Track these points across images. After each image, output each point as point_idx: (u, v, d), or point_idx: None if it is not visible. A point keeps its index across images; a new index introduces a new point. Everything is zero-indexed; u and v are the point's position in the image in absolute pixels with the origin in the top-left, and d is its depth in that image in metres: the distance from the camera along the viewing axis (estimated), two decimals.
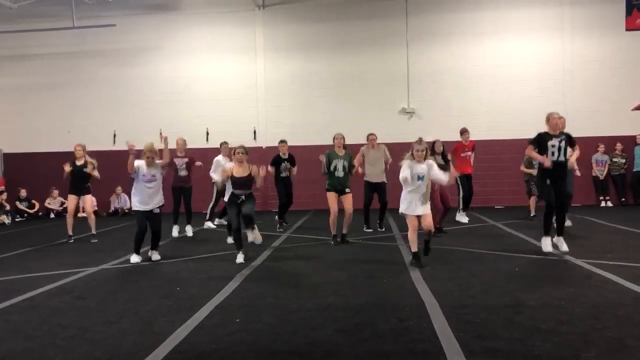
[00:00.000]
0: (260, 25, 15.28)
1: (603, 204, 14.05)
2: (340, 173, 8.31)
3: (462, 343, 3.74)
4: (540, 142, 7.01)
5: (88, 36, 15.47)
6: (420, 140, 6.55)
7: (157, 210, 7.40)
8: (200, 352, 3.76)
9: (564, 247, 6.97)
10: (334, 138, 8.58)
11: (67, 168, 9.57)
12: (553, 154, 6.91)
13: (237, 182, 7.08)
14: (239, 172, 7.07)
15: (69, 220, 9.63)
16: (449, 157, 9.53)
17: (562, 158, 6.91)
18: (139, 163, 7.30)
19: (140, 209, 7.31)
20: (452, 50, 14.71)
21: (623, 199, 14.12)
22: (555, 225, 7.15)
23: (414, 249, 6.51)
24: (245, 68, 15.30)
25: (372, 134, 9.84)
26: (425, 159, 6.48)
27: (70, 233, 9.60)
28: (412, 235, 6.50)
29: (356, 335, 4.01)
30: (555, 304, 4.70)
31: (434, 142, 8.97)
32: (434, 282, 5.59)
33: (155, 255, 7.46)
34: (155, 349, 3.80)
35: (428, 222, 6.45)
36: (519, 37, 14.59)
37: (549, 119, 7.08)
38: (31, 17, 15.47)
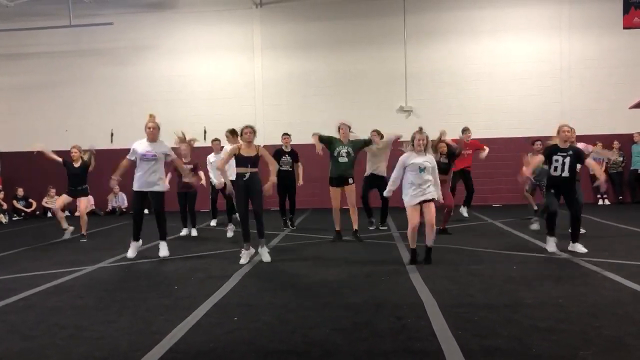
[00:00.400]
0: (257, 24, 15.26)
1: (600, 202, 14.08)
2: (344, 159, 8.31)
3: (461, 342, 3.74)
4: (549, 154, 6.94)
5: (85, 35, 15.43)
6: (420, 130, 6.49)
7: (158, 189, 7.27)
8: (198, 351, 3.75)
9: (582, 250, 6.92)
10: (338, 128, 8.50)
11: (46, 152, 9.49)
12: (556, 168, 6.83)
13: (242, 160, 6.84)
14: (247, 152, 6.86)
15: (59, 214, 9.62)
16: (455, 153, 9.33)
17: (565, 174, 6.81)
18: (136, 145, 7.31)
19: (136, 190, 7.30)
20: (450, 48, 14.72)
21: (620, 197, 14.15)
22: (570, 230, 7.15)
23: (412, 245, 6.48)
24: (243, 66, 15.28)
25: (374, 131, 9.77)
26: (426, 149, 6.43)
27: (65, 226, 9.59)
28: (410, 234, 6.44)
29: (354, 334, 4.00)
30: (554, 302, 4.71)
31: (438, 142, 8.86)
32: (432, 281, 5.59)
33: (164, 251, 7.31)
34: (153, 348, 3.79)
35: (431, 215, 6.32)
36: (517, 36, 14.60)
37: (559, 131, 6.98)
38: (28, 16, 15.42)
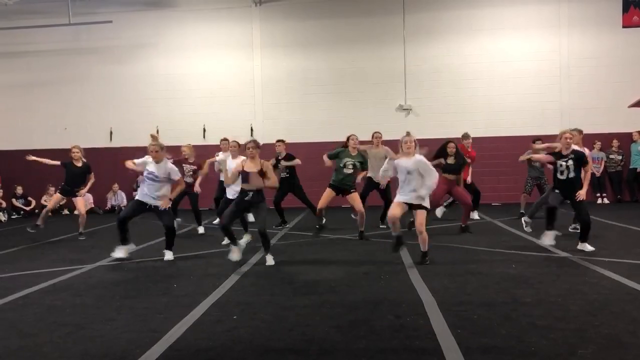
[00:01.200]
0: (256, 22, 15.25)
1: (599, 200, 14.09)
2: (349, 170, 8.41)
3: (459, 340, 3.75)
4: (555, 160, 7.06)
5: (84, 33, 15.41)
6: (407, 133, 6.60)
7: (158, 204, 7.10)
8: (196, 349, 3.76)
9: (590, 248, 6.91)
10: (349, 138, 8.62)
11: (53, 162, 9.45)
12: (562, 172, 6.94)
13: (244, 175, 6.73)
14: (250, 167, 6.74)
15: (44, 213, 9.54)
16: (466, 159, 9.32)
17: (571, 175, 6.89)
18: (146, 159, 7.16)
19: (137, 198, 7.21)
20: (449, 47, 14.71)
21: (619, 196, 14.16)
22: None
23: (394, 232, 6.60)
24: (242, 65, 15.26)
25: (377, 132, 9.75)
26: (414, 151, 6.45)
27: (39, 223, 9.44)
28: (390, 223, 6.58)
29: (352, 332, 4.01)
30: (552, 300, 4.72)
31: (446, 144, 8.88)
32: (431, 279, 5.59)
33: (168, 255, 7.18)
34: (151, 347, 3.79)
35: (419, 222, 6.39)
36: (515, 34, 14.59)
37: (560, 137, 7.10)
38: (27, 14, 15.40)
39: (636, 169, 14.01)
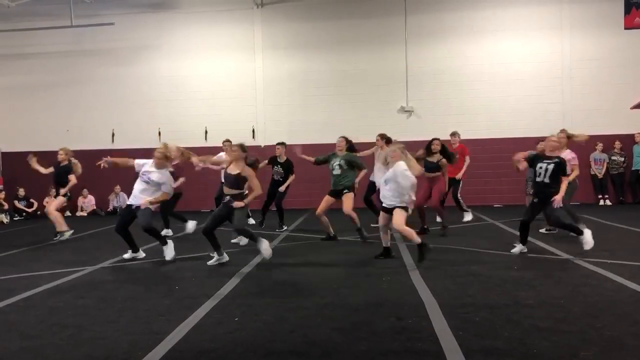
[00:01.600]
0: (258, 24, 15.27)
1: (602, 202, 14.07)
2: (336, 171, 8.46)
3: (461, 342, 3.74)
4: (533, 162, 7.01)
5: (86, 35, 15.45)
6: (394, 142, 6.96)
7: (145, 206, 7.07)
8: (198, 350, 3.76)
9: (588, 239, 6.84)
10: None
11: (39, 167, 9.56)
12: (539, 174, 6.87)
13: (226, 178, 6.92)
14: (232, 169, 6.78)
15: (58, 218, 9.59)
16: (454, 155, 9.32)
17: (546, 180, 6.82)
18: (144, 161, 7.17)
19: (127, 202, 7.32)
20: (451, 48, 14.72)
21: (621, 198, 14.14)
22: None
23: (384, 244, 6.97)
24: (244, 66, 15.28)
25: (378, 135, 9.73)
26: (399, 159, 6.58)
27: (65, 229, 9.57)
28: (381, 231, 6.98)
29: (354, 334, 4.00)
30: (554, 302, 4.71)
31: (431, 141, 8.94)
32: (433, 281, 5.59)
33: (167, 252, 7.23)
34: (153, 348, 3.80)
35: (393, 221, 6.54)
36: (517, 36, 14.59)
37: (547, 140, 7.11)
38: (29, 16, 15.43)
39: (638, 170, 13.99)
